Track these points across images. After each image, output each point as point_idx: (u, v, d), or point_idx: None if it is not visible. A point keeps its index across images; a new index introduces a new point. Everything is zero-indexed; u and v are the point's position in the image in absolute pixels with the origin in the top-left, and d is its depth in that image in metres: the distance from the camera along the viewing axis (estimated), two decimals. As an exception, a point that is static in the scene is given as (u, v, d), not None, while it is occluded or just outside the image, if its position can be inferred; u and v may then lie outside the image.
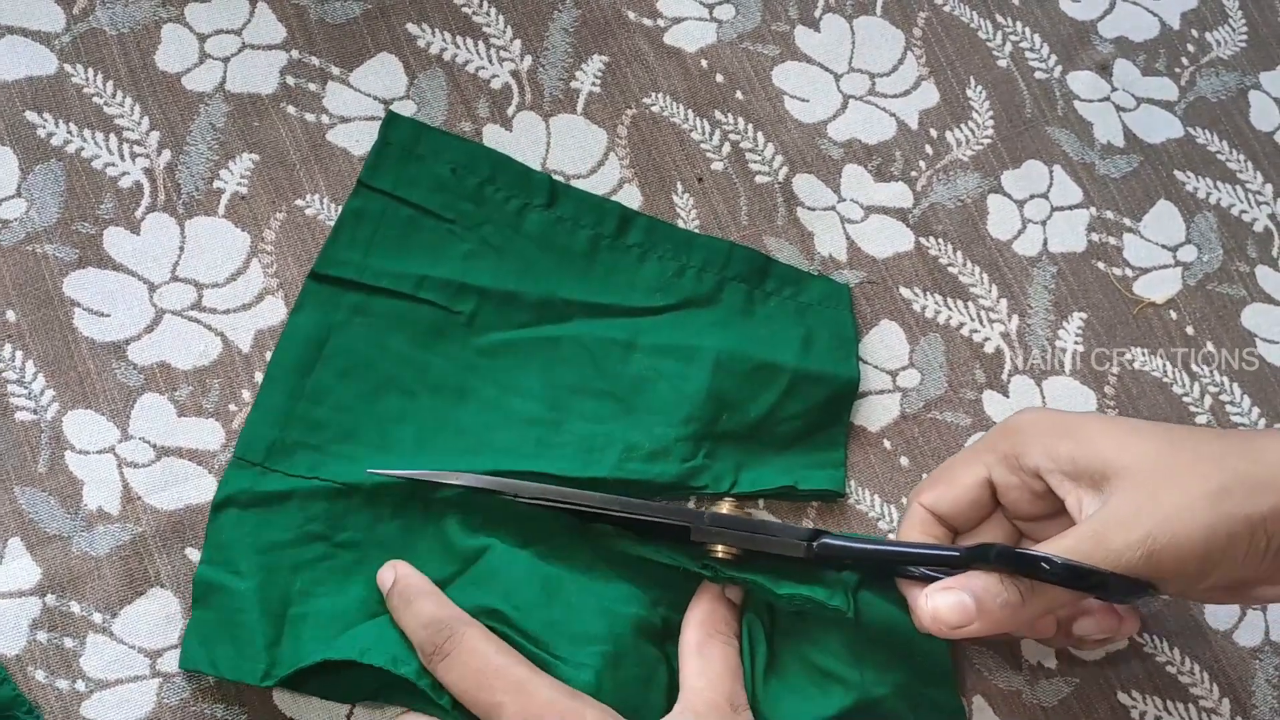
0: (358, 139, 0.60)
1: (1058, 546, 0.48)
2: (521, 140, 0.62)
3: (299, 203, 0.59)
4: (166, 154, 0.58)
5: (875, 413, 0.61)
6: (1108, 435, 0.50)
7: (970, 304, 0.64)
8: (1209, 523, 0.47)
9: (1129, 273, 0.66)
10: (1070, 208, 0.67)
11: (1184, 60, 0.71)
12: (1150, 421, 0.52)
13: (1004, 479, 0.53)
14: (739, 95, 0.65)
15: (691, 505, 0.57)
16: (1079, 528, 0.48)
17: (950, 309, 0.63)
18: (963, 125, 0.67)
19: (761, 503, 0.58)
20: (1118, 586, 0.47)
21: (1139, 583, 0.47)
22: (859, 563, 0.53)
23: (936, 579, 0.50)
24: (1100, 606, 0.53)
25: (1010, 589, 0.48)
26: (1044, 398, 0.62)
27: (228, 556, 0.52)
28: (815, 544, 0.52)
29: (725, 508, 0.54)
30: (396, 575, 0.52)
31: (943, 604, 0.48)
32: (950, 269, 0.64)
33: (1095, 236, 0.66)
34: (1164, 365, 0.65)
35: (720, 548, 0.53)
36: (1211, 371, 0.65)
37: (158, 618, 0.52)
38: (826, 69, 0.67)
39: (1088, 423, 0.52)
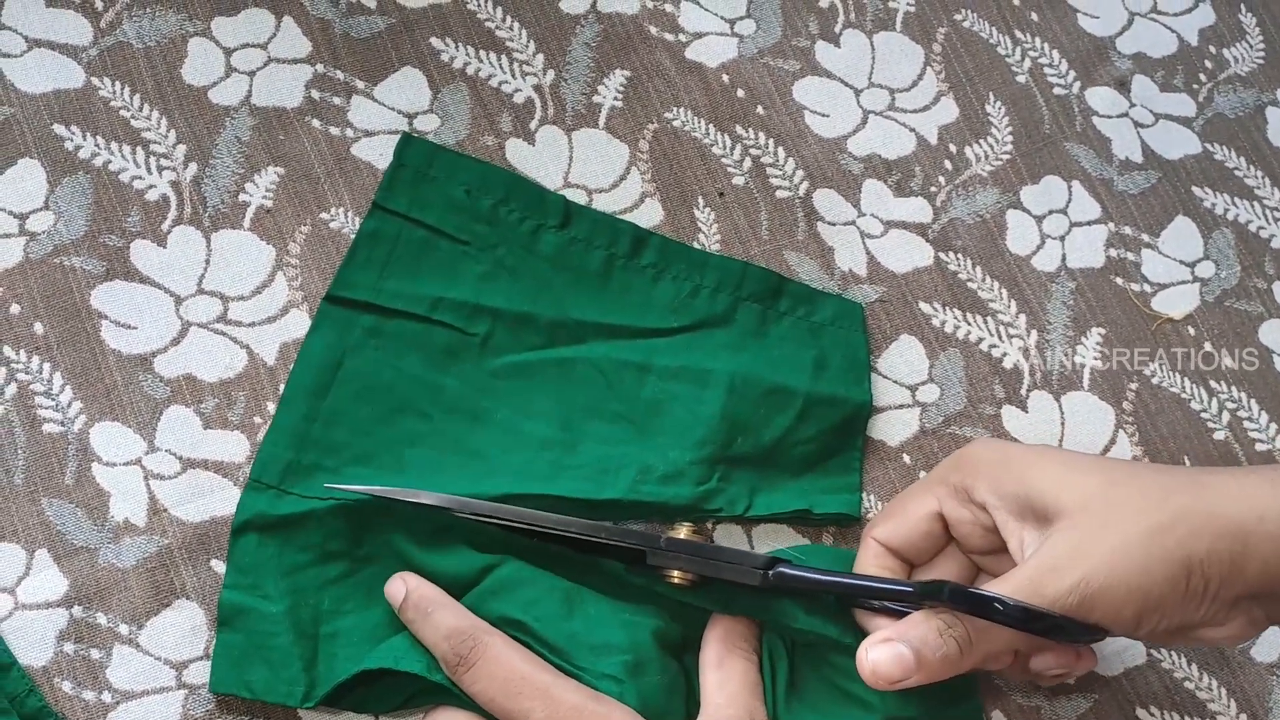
0: (382, 153, 0.60)
1: (996, 591, 0.47)
2: (544, 154, 0.62)
3: (324, 216, 0.59)
4: (193, 167, 0.59)
5: (894, 427, 0.61)
6: (1049, 473, 0.50)
7: (989, 319, 0.64)
8: (1144, 565, 0.47)
9: (1147, 288, 0.66)
10: (1089, 223, 0.67)
11: (1202, 77, 0.71)
12: (1097, 456, 0.51)
13: (955, 513, 0.52)
14: (760, 110, 0.65)
15: (648, 529, 0.56)
16: (1013, 574, 0.48)
17: (969, 324, 0.64)
18: (982, 141, 0.67)
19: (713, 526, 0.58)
20: (1070, 629, 0.47)
21: (1091, 625, 0.47)
22: (815, 594, 0.53)
23: (896, 611, 0.50)
24: (1057, 644, 0.52)
25: (949, 642, 0.48)
26: (1062, 413, 0.63)
27: (254, 580, 0.52)
28: (771, 573, 0.52)
29: (683, 533, 0.53)
30: (408, 588, 0.52)
31: (881, 658, 0.48)
32: (969, 284, 0.64)
33: (1113, 252, 0.67)
34: (1182, 381, 0.65)
35: (676, 573, 0.53)
36: (1229, 387, 0.65)
37: (184, 629, 0.53)
38: (847, 84, 0.67)
39: (1033, 458, 0.51)
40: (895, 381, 0.62)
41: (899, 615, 0.51)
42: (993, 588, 0.47)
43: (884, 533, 0.54)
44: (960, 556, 0.54)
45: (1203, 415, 0.64)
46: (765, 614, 0.53)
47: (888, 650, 0.48)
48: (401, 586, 0.52)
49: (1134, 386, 0.64)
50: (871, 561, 0.53)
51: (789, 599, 0.53)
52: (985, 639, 0.48)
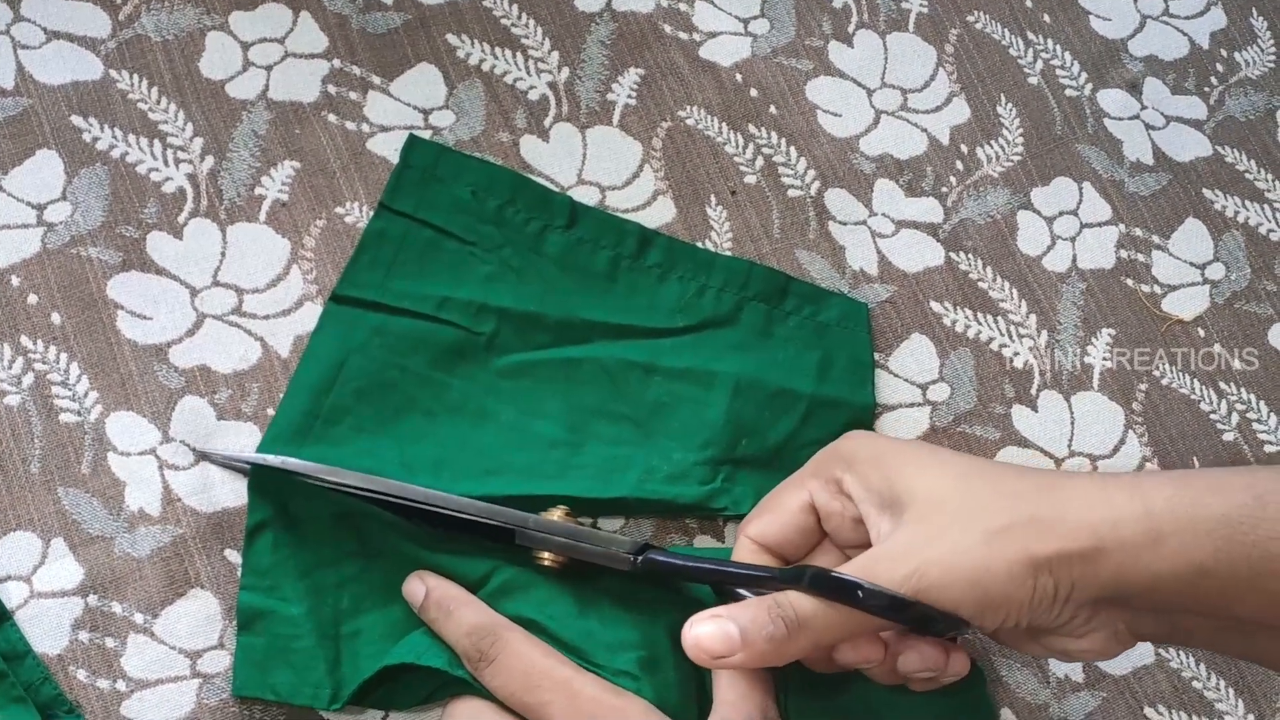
0: (397, 148, 0.61)
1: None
2: (558, 151, 0.62)
3: (339, 210, 0.60)
4: (209, 160, 0.59)
5: (905, 426, 0.62)
6: (910, 466, 0.49)
7: (1000, 319, 0.64)
8: (984, 561, 0.45)
9: (1157, 290, 0.67)
10: (1099, 225, 0.67)
11: (1213, 80, 0.71)
12: (965, 455, 0.51)
13: (826, 504, 0.52)
14: (772, 109, 0.65)
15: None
16: (851, 562, 0.47)
17: (980, 324, 0.64)
18: (993, 141, 0.67)
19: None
20: (934, 618, 0.46)
21: (953, 617, 0.46)
22: (682, 580, 0.52)
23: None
24: (927, 641, 0.50)
25: (777, 623, 0.46)
26: (1072, 413, 0.63)
27: (271, 582, 0.52)
28: (640, 559, 0.51)
29: (556, 515, 0.53)
30: (428, 587, 0.52)
31: (705, 632, 0.47)
32: (980, 284, 0.65)
33: (1124, 253, 0.67)
34: (1191, 382, 0.65)
35: (547, 555, 0.52)
36: (1238, 389, 0.65)
37: (198, 618, 0.53)
38: (859, 84, 0.67)
39: (900, 452, 0.50)
40: (906, 380, 0.62)
41: None
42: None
43: (757, 529, 0.53)
44: (835, 552, 0.53)
45: (1212, 416, 0.65)
46: (635, 601, 0.53)
47: (713, 624, 0.47)
48: (420, 586, 0.52)
49: (1143, 387, 0.64)
50: (747, 559, 0.53)
51: (660, 587, 0.53)
52: (819, 623, 0.47)
